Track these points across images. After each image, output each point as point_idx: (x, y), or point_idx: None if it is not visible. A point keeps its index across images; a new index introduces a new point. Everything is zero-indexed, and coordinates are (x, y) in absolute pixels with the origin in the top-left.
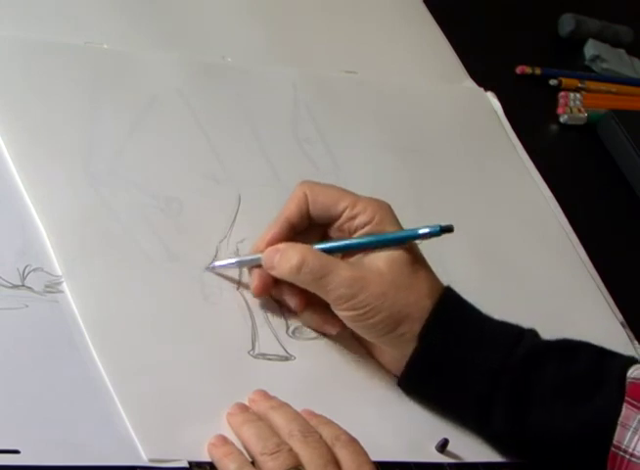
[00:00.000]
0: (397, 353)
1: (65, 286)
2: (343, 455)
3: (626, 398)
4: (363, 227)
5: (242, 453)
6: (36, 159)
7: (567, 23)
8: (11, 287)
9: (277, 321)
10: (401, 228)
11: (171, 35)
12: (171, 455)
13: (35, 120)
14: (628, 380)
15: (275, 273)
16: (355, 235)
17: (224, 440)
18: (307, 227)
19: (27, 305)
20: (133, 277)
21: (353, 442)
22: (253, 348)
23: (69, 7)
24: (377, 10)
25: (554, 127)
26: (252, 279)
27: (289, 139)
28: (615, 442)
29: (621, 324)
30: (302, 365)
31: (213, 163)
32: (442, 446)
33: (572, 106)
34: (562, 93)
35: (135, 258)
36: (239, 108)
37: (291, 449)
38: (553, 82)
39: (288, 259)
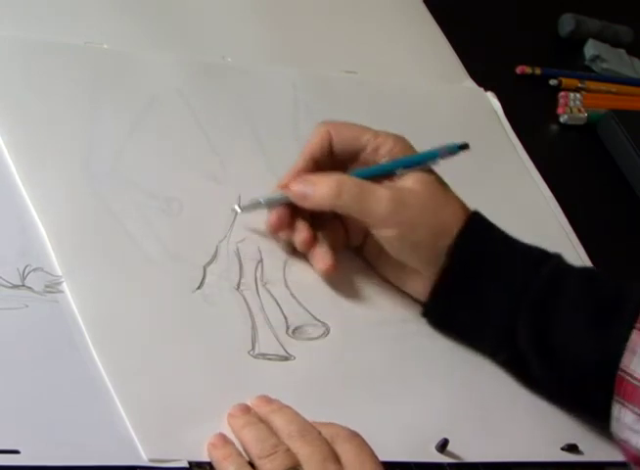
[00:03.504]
0: (431, 273)
1: (65, 286)
2: (345, 450)
3: (637, 324)
4: (386, 156)
5: (241, 455)
6: (36, 159)
7: (567, 23)
8: (11, 287)
9: (277, 321)
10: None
11: (171, 35)
12: (171, 455)
13: (35, 121)
14: None
15: (310, 202)
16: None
17: (224, 440)
18: (329, 165)
19: (27, 305)
20: (133, 277)
21: (355, 436)
22: (253, 348)
23: (69, 7)
24: (377, 10)
25: (554, 127)
26: (271, 215)
27: (289, 139)
28: (621, 365)
29: None
30: (302, 365)
31: (213, 163)
32: (442, 447)
33: (572, 106)
34: (562, 93)
35: (135, 258)
36: (239, 108)
37: (288, 450)
38: (553, 82)
39: (325, 186)
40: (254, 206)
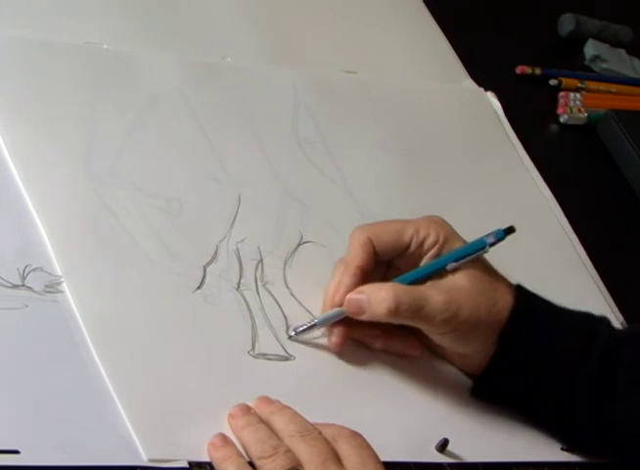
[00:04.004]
0: (481, 357)
1: (65, 286)
2: (346, 450)
3: None
4: (432, 249)
5: (241, 456)
6: (36, 159)
7: (567, 23)
8: (11, 287)
9: (277, 321)
10: (464, 240)
11: (171, 35)
12: (171, 455)
13: (35, 120)
14: None
15: (367, 317)
16: (425, 258)
17: (224, 440)
18: (374, 267)
19: (27, 305)
20: (133, 277)
21: (356, 436)
22: (253, 348)
23: (69, 7)
24: (377, 10)
25: (554, 127)
26: (333, 336)
27: (289, 139)
28: None
29: (621, 324)
30: (302, 365)
31: (213, 163)
32: (442, 446)
33: (572, 106)
34: (562, 93)
35: (135, 257)
36: (239, 108)
37: (288, 450)
38: (553, 82)
39: (381, 302)
40: (310, 328)
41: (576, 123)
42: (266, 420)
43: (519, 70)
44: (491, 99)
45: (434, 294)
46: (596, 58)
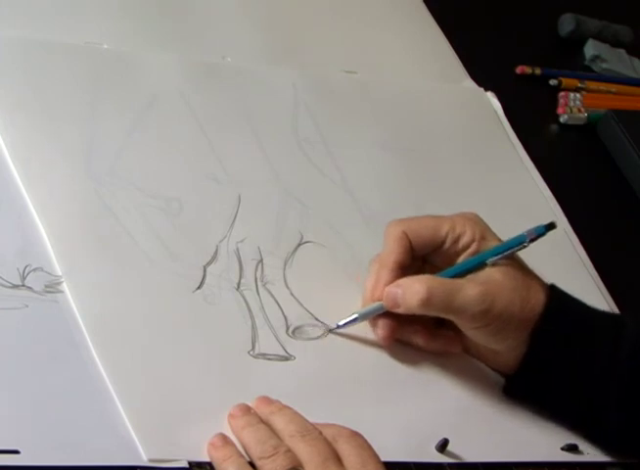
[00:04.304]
0: (513, 355)
1: (65, 286)
2: (346, 450)
3: None
4: (469, 246)
5: (241, 456)
6: (36, 159)
7: (567, 23)
8: (11, 287)
9: (277, 321)
10: (499, 238)
11: (171, 35)
12: (171, 455)
13: (35, 120)
14: None
15: (402, 310)
16: (463, 255)
17: (224, 440)
18: (411, 261)
19: (27, 305)
20: (133, 277)
21: (357, 436)
22: (253, 348)
23: (69, 7)
24: (377, 10)
25: (554, 127)
26: (378, 329)
27: (289, 139)
28: None
29: None
30: (302, 365)
31: (213, 163)
32: (442, 446)
33: (572, 106)
34: (562, 93)
35: (135, 257)
36: (239, 108)
37: (288, 450)
38: (553, 82)
39: (414, 293)
40: (351, 322)
41: (576, 123)
42: (266, 420)
43: (519, 70)
44: (491, 99)
45: (469, 286)
46: (596, 58)
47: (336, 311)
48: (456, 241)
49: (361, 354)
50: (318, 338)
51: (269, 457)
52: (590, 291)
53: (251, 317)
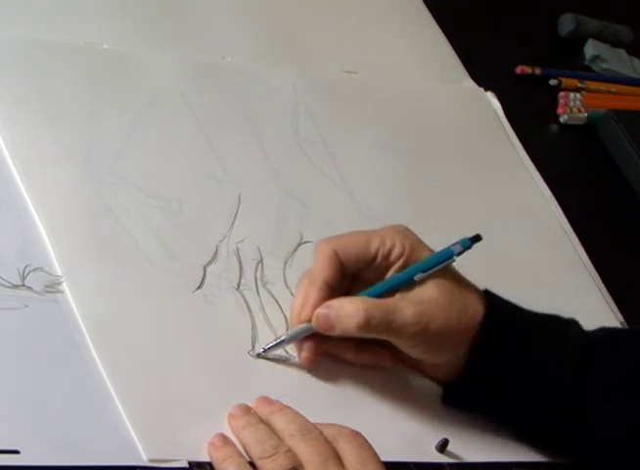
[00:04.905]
0: (451, 367)
1: (65, 286)
2: (346, 450)
3: None
4: (398, 260)
5: (241, 455)
6: (36, 159)
7: (567, 23)
8: (11, 287)
9: (277, 321)
10: (430, 249)
11: (171, 35)
12: (171, 455)
13: (35, 120)
14: None
15: (337, 332)
16: (392, 269)
17: (224, 440)
18: (340, 280)
19: (27, 305)
20: (133, 277)
21: (357, 435)
22: (253, 348)
23: (69, 7)
24: (377, 10)
25: (554, 127)
26: (303, 351)
27: (289, 139)
28: None
29: (621, 324)
30: (302, 365)
31: (213, 163)
32: (442, 446)
33: (572, 106)
34: (562, 93)
35: (135, 257)
36: (239, 108)
37: (289, 450)
38: (553, 82)
39: (350, 316)
40: (278, 344)
41: (576, 123)
42: (266, 420)
43: (519, 70)
44: (491, 99)
45: (404, 306)
46: (596, 58)
47: None
48: (387, 255)
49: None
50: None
51: (269, 457)
52: (590, 291)
53: (251, 317)
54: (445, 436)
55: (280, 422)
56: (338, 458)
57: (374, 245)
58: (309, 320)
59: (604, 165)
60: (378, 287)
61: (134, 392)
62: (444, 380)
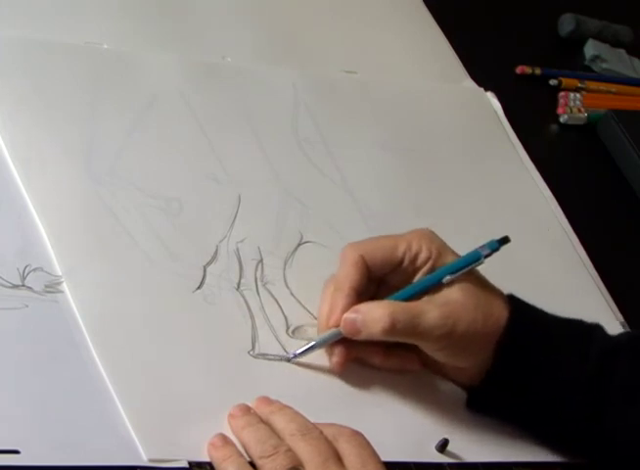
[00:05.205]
0: (476, 370)
1: (65, 286)
2: (346, 449)
3: None
4: (425, 264)
5: (241, 455)
6: (36, 159)
7: (567, 23)
8: (11, 287)
9: (277, 321)
10: (455, 253)
11: (171, 35)
12: (171, 455)
13: (35, 120)
14: None
15: (363, 337)
16: (420, 273)
17: (224, 440)
18: (367, 284)
19: (27, 305)
20: (133, 277)
21: (357, 435)
22: (253, 348)
23: (69, 7)
24: (377, 10)
25: (554, 127)
26: (334, 356)
27: (289, 139)
28: None
29: (621, 324)
30: (302, 365)
31: (213, 163)
32: (442, 446)
33: (572, 106)
34: (562, 93)
35: (135, 257)
36: (239, 108)
37: (289, 450)
38: (553, 82)
39: (377, 321)
40: (309, 350)
41: (576, 123)
42: (266, 420)
43: (519, 70)
44: (491, 99)
45: (430, 309)
46: (596, 58)
47: None
48: (413, 260)
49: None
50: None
51: (269, 457)
52: (590, 291)
53: (251, 317)
54: (445, 436)
55: (280, 422)
56: (338, 458)
57: (401, 249)
58: (338, 325)
59: (604, 165)
60: (406, 290)
61: (134, 392)
62: (468, 384)
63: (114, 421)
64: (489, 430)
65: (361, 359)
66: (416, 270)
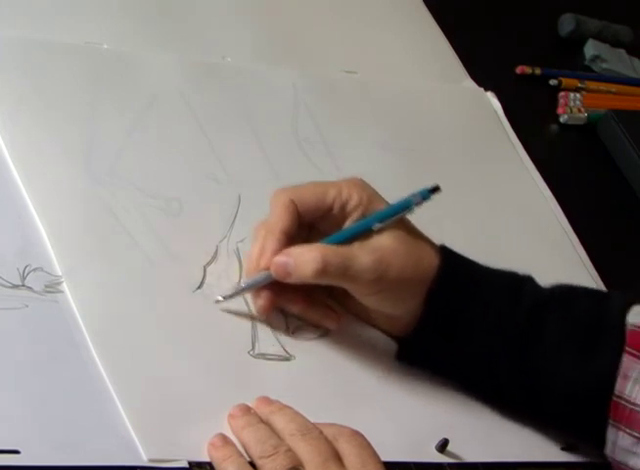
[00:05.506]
0: (408, 318)
1: (65, 286)
2: (346, 449)
3: (626, 347)
4: (355, 211)
5: (241, 455)
6: (36, 159)
7: (567, 23)
8: (11, 287)
9: (277, 321)
10: (387, 202)
11: (171, 35)
12: (171, 455)
13: (35, 120)
14: (628, 327)
15: (294, 279)
16: (350, 219)
17: (224, 440)
18: (297, 230)
19: (27, 305)
20: (133, 277)
21: (357, 435)
22: (253, 348)
23: (69, 7)
24: (377, 10)
25: (554, 127)
26: (260, 299)
27: (289, 139)
28: (616, 391)
29: None
30: (302, 365)
31: (213, 163)
32: (442, 446)
33: (572, 106)
34: (562, 93)
35: (135, 257)
36: (239, 108)
37: (289, 450)
38: (553, 82)
39: (308, 263)
40: (238, 292)
41: (576, 123)
42: (266, 420)
43: (519, 70)
44: (491, 99)
45: (362, 254)
46: (596, 58)
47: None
48: (343, 206)
49: (361, 354)
50: (318, 338)
51: (269, 457)
52: None
53: (251, 317)
54: (445, 436)
55: (280, 422)
56: (338, 458)
57: (331, 195)
58: (268, 268)
59: (604, 165)
60: (336, 235)
61: (134, 392)
62: (399, 335)
63: (114, 421)
64: (489, 430)
65: (283, 307)
66: (346, 217)
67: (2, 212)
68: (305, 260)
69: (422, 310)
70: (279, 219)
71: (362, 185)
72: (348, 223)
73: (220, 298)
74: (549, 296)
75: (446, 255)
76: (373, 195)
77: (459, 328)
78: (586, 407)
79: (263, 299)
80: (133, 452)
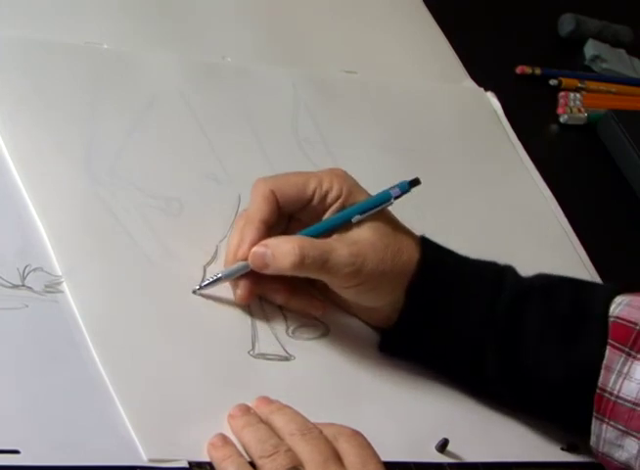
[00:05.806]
0: (389, 310)
1: (65, 286)
2: (346, 449)
3: (609, 340)
4: (335, 202)
5: (241, 455)
6: (36, 159)
7: (567, 23)
8: (11, 287)
9: (277, 321)
10: (368, 193)
11: (171, 35)
12: (171, 455)
13: (35, 120)
14: (610, 319)
15: (271, 271)
16: (329, 211)
17: (224, 440)
18: (277, 220)
19: (27, 305)
20: (133, 277)
21: (357, 435)
22: (253, 348)
23: (69, 7)
24: (377, 10)
25: (554, 127)
26: (238, 289)
27: (289, 139)
28: (600, 384)
29: None
30: (302, 365)
31: (213, 163)
32: (442, 446)
33: (572, 106)
34: (562, 93)
35: (135, 257)
36: (239, 108)
37: (289, 449)
38: (553, 82)
39: (286, 255)
40: (215, 282)
41: (576, 123)
42: (266, 420)
43: (519, 70)
44: (491, 99)
45: (340, 247)
46: (596, 58)
47: (336, 310)
48: (324, 197)
49: (361, 354)
50: (318, 338)
51: (269, 456)
52: None
53: (251, 317)
54: (445, 436)
55: (280, 421)
56: (338, 458)
57: (311, 186)
58: (246, 259)
59: (604, 165)
60: (315, 227)
61: (134, 392)
62: (381, 326)
63: (114, 421)
64: (489, 430)
65: (265, 296)
66: (326, 208)
67: (2, 212)
68: (283, 252)
69: (403, 303)
70: (258, 210)
71: (343, 176)
72: (328, 215)
73: (197, 287)
74: (530, 286)
75: (426, 246)
76: (353, 186)
77: (440, 320)
78: (571, 399)
79: (242, 288)
80: (133, 452)
